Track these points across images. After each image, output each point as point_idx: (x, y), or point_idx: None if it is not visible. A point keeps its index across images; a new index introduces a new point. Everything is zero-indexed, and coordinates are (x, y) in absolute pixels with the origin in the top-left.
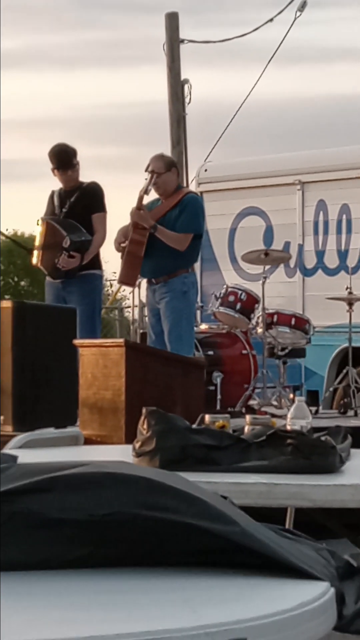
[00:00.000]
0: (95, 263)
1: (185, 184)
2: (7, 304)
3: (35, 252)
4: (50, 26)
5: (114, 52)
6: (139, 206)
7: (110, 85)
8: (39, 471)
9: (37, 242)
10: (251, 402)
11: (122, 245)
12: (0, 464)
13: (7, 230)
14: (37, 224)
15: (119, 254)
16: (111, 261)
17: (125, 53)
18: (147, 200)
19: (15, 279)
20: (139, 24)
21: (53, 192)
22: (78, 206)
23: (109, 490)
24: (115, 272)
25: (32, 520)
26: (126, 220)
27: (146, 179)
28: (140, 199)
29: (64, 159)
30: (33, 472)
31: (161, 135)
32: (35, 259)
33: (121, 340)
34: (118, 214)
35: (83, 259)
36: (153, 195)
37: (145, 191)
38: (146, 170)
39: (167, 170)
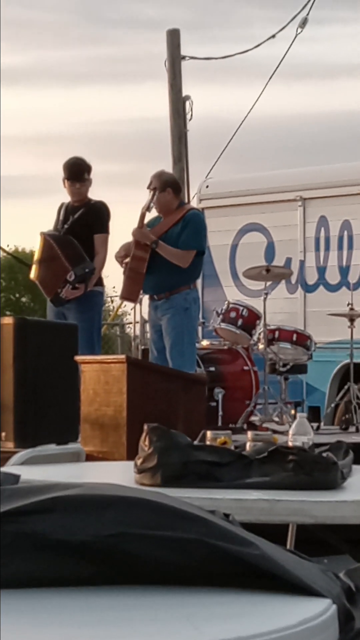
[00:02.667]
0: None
1: (186, 200)
2: (8, 320)
3: (33, 267)
4: (53, 42)
5: (116, 68)
6: (140, 224)
7: (112, 102)
8: (40, 490)
9: (35, 256)
10: (253, 418)
11: (124, 261)
12: (2, 483)
13: (7, 246)
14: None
15: (121, 270)
16: (111, 276)
17: (128, 69)
18: (149, 217)
19: (17, 295)
20: (141, 40)
21: (62, 205)
22: (80, 224)
23: (112, 511)
24: (115, 287)
25: (36, 541)
26: (128, 237)
27: (149, 196)
28: (142, 216)
29: (76, 170)
30: (35, 492)
31: (163, 152)
32: (32, 273)
33: (122, 356)
34: (119, 230)
35: (87, 288)
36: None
37: (147, 208)
38: (148, 188)
39: (162, 190)
